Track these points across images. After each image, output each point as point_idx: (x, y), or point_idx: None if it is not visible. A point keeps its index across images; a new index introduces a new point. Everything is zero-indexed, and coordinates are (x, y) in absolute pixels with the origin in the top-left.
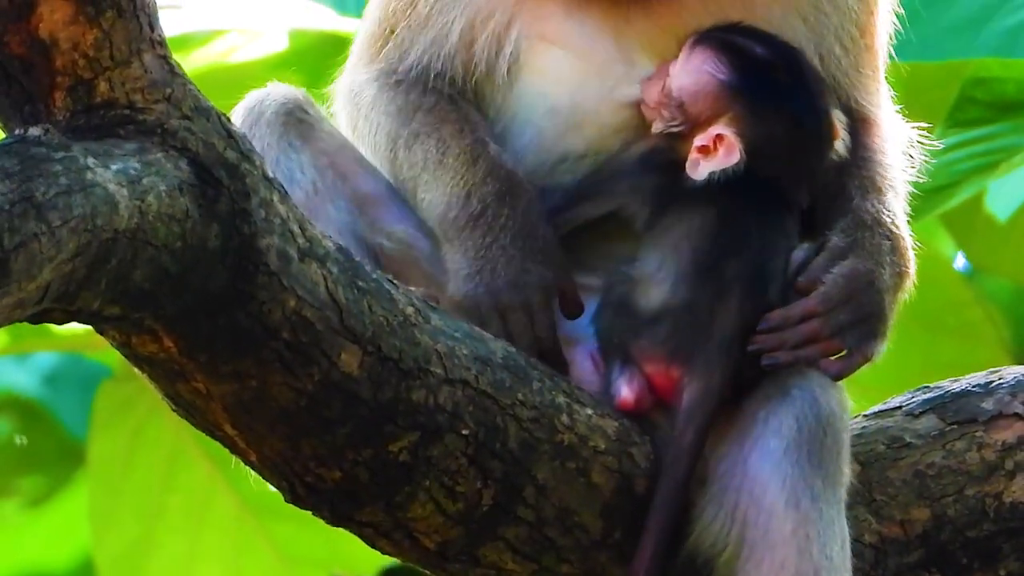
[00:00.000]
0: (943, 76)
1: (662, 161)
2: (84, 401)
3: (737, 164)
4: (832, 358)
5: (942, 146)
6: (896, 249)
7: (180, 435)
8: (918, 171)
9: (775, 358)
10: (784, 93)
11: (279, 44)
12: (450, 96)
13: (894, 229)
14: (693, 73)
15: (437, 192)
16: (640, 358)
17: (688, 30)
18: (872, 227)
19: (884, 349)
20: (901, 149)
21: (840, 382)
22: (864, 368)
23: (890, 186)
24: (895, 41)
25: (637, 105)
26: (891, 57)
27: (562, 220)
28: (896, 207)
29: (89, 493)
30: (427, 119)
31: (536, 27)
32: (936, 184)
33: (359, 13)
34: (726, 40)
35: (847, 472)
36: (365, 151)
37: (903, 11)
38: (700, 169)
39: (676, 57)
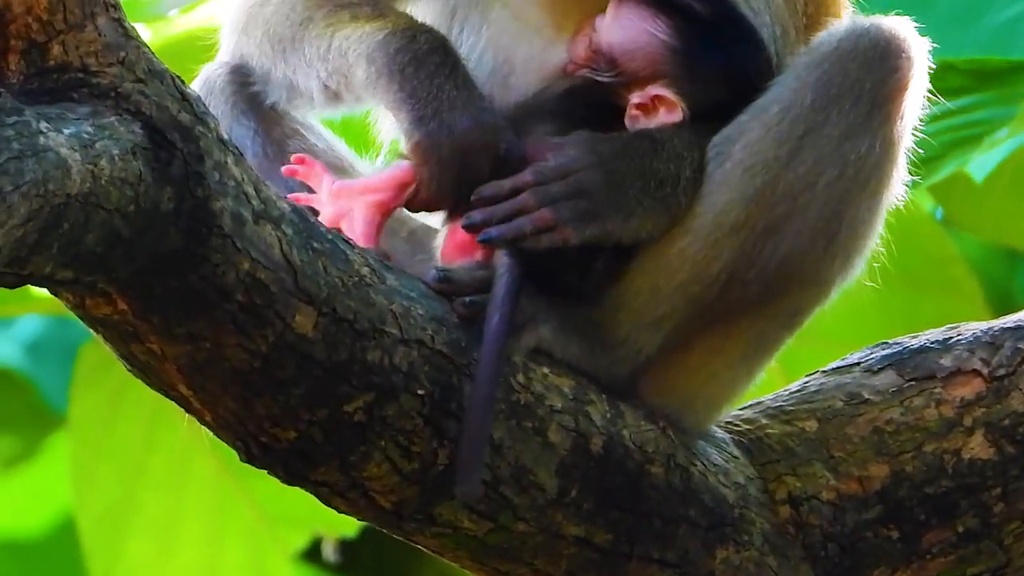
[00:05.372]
0: None
1: (586, 99)
2: (66, 369)
3: (681, 121)
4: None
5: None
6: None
7: (160, 395)
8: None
9: (487, 233)
10: (721, 51)
11: None
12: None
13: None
14: (628, 30)
15: (368, 29)
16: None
17: None
18: (645, 136)
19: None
20: None
21: None
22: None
23: None
24: None
25: (563, 68)
26: None
27: None
28: None
29: (71, 454)
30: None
31: None
32: (920, 155)
33: None
34: None
35: None
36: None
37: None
38: (639, 125)
39: (602, 12)
